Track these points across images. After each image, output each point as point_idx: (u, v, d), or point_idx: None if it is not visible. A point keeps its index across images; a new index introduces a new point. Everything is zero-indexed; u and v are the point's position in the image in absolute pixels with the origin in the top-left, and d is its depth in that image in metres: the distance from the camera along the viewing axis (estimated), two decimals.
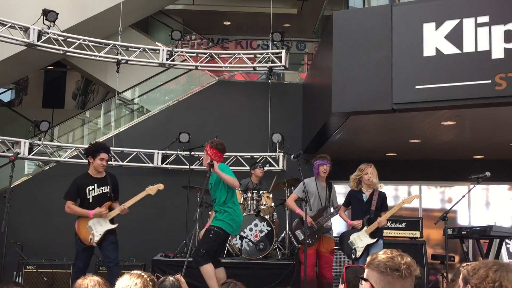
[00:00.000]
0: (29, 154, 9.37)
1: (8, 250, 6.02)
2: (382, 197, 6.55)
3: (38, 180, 10.12)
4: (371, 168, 6.56)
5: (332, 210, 6.84)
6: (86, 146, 10.11)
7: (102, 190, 6.40)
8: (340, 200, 7.07)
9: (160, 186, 6.54)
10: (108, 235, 6.31)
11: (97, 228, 6.28)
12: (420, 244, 7.81)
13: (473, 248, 9.82)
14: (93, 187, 6.38)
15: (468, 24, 6.26)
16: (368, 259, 2.48)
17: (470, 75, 6.23)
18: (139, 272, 2.97)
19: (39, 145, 9.50)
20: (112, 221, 6.37)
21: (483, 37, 6.19)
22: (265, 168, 8.94)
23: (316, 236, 6.73)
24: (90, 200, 6.34)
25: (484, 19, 6.21)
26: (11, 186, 6.23)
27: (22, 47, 9.51)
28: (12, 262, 7.51)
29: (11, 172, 6.13)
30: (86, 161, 6.59)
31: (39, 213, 9.74)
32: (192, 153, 9.59)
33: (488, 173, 6.29)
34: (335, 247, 6.98)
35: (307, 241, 6.59)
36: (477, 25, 6.23)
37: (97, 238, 6.25)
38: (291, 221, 7.74)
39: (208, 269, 5.87)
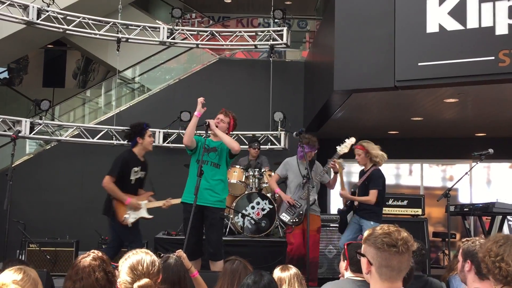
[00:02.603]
0: (30, 133, 9.36)
1: (11, 229, 6.01)
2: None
3: (40, 159, 10.13)
4: None
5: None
6: (86, 125, 10.20)
7: (141, 175, 6.20)
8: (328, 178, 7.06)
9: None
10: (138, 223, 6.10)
11: (134, 211, 6.06)
12: (422, 222, 7.83)
13: (475, 225, 9.85)
14: (137, 169, 6.13)
15: None
16: (365, 234, 2.47)
17: (473, 52, 6.16)
18: (145, 250, 2.86)
19: (40, 124, 9.48)
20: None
21: (487, 13, 6.11)
22: (260, 147, 8.82)
23: (301, 212, 6.63)
24: (133, 182, 6.08)
25: None
26: (13, 165, 6.22)
27: (21, 25, 9.44)
28: (15, 240, 7.55)
29: (12, 150, 6.10)
30: (127, 143, 6.47)
31: (41, 192, 9.76)
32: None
33: (491, 150, 6.28)
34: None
35: (295, 220, 6.58)
36: (481, 0, 6.15)
37: (130, 220, 6.01)
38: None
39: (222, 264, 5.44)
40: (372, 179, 6.27)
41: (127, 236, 6.01)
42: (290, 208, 6.64)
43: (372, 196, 6.25)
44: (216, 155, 5.76)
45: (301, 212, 6.58)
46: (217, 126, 5.72)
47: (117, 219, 5.98)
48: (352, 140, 6.55)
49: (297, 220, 6.59)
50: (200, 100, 5.78)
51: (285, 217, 6.68)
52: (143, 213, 6.13)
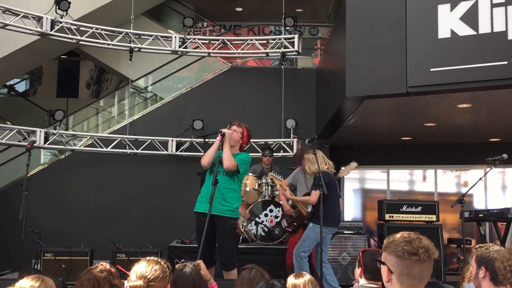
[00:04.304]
0: (44, 143, 9.45)
1: (26, 238, 6.06)
2: None
3: (54, 169, 10.22)
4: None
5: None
6: (100, 134, 10.27)
7: None
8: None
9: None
10: None
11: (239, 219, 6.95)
12: (437, 228, 7.77)
13: (490, 231, 9.76)
14: None
15: (484, 4, 6.16)
16: (385, 242, 2.44)
17: (486, 57, 6.14)
18: (156, 258, 2.96)
19: (54, 134, 9.57)
20: None
21: (499, 17, 6.09)
22: (272, 155, 8.80)
23: (295, 223, 6.80)
24: None
25: None
26: (28, 175, 6.27)
27: (35, 36, 9.55)
28: (31, 249, 7.60)
29: (27, 160, 6.16)
30: None
31: (56, 201, 9.84)
32: (206, 140, 9.60)
33: (505, 155, 6.24)
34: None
35: (288, 229, 6.95)
36: (493, 5, 6.13)
37: None
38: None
39: (235, 273, 5.52)
40: (315, 181, 6.20)
41: None
42: (288, 218, 7.03)
43: (313, 196, 6.15)
44: None
45: (295, 223, 6.87)
46: (224, 134, 5.58)
47: None
48: (354, 164, 6.72)
49: (290, 230, 6.93)
50: (228, 132, 5.63)
51: (284, 224, 7.15)
52: None
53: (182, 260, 3.67)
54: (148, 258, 2.94)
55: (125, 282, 2.92)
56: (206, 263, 5.33)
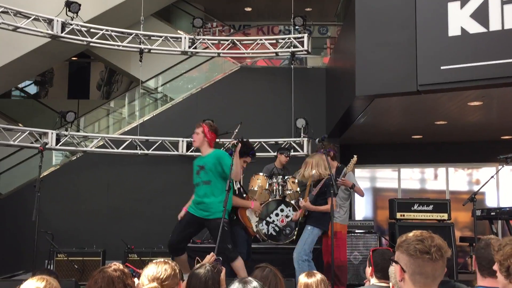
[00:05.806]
0: (56, 144, 9.51)
1: (39, 239, 6.12)
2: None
3: (66, 170, 10.28)
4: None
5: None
6: (111, 135, 10.32)
7: None
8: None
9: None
10: None
11: (253, 219, 6.66)
12: (448, 227, 7.74)
13: (503, 229, 9.71)
14: None
15: (494, 1, 6.13)
16: (398, 241, 2.43)
17: (497, 54, 6.10)
18: (163, 259, 3.02)
19: (66, 136, 9.63)
20: None
21: (510, 14, 6.05)
22: (290, 155, 8.83)
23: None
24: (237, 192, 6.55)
25: None
26: (40, 176, 6.32)
27: (46, 39, 9.62)
28: (44, 250, 7.66)
29: (40, 162, 6.21)
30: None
31: (68, 202, 9.91)
32: (217, 140, 9.59)
33: None
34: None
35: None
36: (503, 2, 6.09)
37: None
38: None
39: (240, 262, 5.79)
40: (329, 189, 6.14)
41: None
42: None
43: (330, 204, 6.11)
44: (204, 172, 6.00)
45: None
46: (236, 146, 5.85)
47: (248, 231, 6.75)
48: (354, 159, 6.76)
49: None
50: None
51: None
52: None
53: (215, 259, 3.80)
54: (156, 260, 3.02)
55: (135, 279, 2.96)
56: (176, 251, 6.09)
